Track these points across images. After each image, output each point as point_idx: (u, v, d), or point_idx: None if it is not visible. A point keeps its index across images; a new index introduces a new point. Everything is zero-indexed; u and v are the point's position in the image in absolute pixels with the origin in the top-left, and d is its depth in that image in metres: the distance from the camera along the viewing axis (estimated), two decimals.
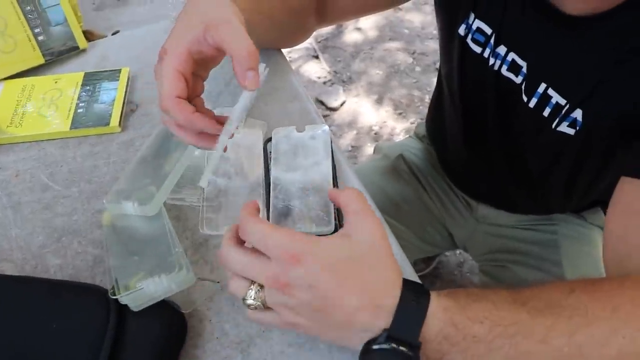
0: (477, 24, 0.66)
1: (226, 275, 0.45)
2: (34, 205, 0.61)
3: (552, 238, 0.84)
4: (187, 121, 0.47)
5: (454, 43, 0.71)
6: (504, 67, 0.65)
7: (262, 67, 0.48)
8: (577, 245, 0.82)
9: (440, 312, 0.40)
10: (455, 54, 0.71)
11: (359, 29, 2.23)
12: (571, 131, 0.61)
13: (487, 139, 0.76)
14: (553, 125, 0.63)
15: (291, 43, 0.80)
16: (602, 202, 0.83)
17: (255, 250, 0.43)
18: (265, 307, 0.43)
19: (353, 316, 0.40)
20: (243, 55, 0.45)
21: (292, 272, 0.41)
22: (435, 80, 0.95)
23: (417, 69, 2.08)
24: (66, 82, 0.73)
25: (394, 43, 2.18)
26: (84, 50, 0.78)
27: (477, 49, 0.67)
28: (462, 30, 0.68)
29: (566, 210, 0.84)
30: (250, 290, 0.43)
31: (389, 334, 0.39)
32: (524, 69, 0.63)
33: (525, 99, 0.64)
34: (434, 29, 2.24)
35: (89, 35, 0.80)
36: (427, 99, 1.94)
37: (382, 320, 0.40)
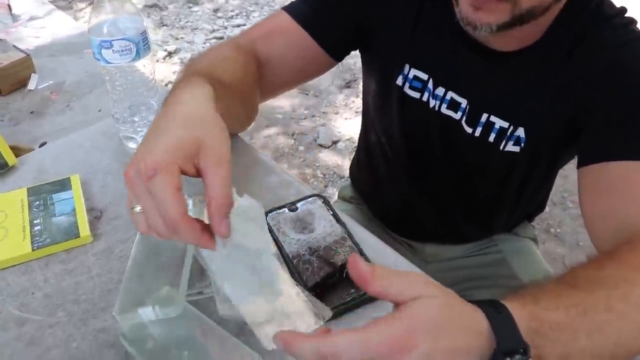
0: (413, 72, 0.75)
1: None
2: (14, 344, 0.51)
3: (499, 257, 0.94)
4: (197, 238, 0.44)
5: (391, 94, 0.79)
6: (444, 106, 0.75)
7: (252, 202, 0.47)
8: (523, 257, 0.93)
9: (519, 309, 0.42)
10: (394, 104, 0.79)
11: None
12: (517, 149, 0.72)
13: (434, 176, 0.84)
14: (501, 147, 0.73)
15: (243, 129, 0.82)
16: (529, 216, 0.96)
17: None
18: None
19: (468, 353, 0.40)
20: (221, 204, 0.43)
21: (413, 356, 0.37)
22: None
23: (301, 147, 2.18)
24: (6, 202, 0.64)
25: (272, 129, 2.28)
26: (13, 167, 0.70)
27: (416, 95, 0.76)
28: (399, 81, 0.77)
29: (505, 229, 0.95)
30: None
31: (501, 350, 0.40)
32: (463, 105, 0.73)
33: (469, 130, 0.74)
34: (304, 109, 2.39)
35: (15, 151, 0.72)
36: (319, 173, 2.03)
37: (488, 342, 0.40)
